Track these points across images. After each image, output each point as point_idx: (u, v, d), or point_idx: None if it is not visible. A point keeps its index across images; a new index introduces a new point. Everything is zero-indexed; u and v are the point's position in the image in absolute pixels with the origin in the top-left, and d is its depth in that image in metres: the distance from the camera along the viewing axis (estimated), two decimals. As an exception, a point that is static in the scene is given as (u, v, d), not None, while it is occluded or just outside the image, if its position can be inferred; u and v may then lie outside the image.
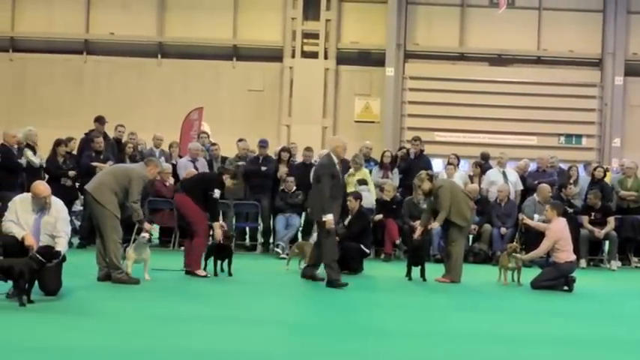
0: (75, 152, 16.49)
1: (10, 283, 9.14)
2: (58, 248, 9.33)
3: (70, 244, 15.35)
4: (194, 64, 29.90)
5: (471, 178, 17.36)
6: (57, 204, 9.86)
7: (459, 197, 12.93)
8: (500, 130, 28.95)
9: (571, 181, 16.98)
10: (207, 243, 12.85)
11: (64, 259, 9.50)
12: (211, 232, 13.04)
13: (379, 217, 15.92)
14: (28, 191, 12.11)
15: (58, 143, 16.05)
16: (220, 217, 13.36)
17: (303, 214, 16.29)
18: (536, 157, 18.88)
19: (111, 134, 17.11)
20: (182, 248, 13.42)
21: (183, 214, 12.83)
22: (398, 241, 16.05)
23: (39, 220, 9.64)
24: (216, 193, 12.49)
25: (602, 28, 29.95)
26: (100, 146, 16.05)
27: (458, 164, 17.85)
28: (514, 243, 13.46)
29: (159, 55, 30.29)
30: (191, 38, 29.90)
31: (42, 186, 9.88)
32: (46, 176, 16.01)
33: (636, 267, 16.59)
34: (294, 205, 16.25)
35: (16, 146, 15.43)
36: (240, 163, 16.51)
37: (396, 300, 11.06)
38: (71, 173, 15.71)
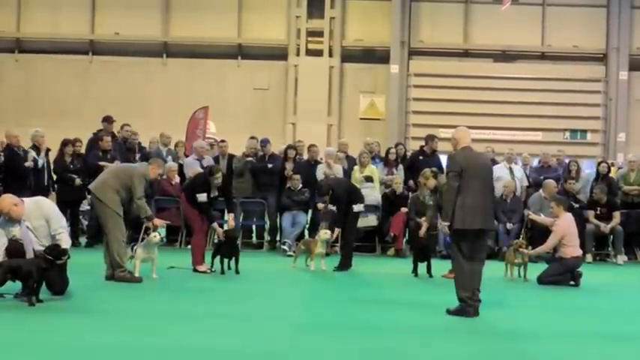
0: (83, 152, 16.62)
1: (18, 283, 9.21)
2: (63, 245, 9.36)
3: (78, 243, 15.55)
4: (199, 63, 29.94)
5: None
6: (42, 205, 9.78)
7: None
8: (505, 126, 28.95)
9: (572, 175, 17.03)
10: (203, 240, 12.97)
11: (68, 256, 9.49)
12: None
13: (405, 210, 15.94)
14: (36, 194, 12.22)
15: (65, 143, 16.18)
16: (231, 214, 13.34)
17: (310, 212, 16.35)
18: (540, 153, 18.98)
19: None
20: (189, 247, 13.49)
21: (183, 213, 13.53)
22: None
23: (23, 228, 9.51)
24: (201, 197, 12.58)
25: (607, 23, 29.92)
26: (109, 145, 16.15)
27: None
28: (520, 239, 13.50)
29: (164, 55, 30.34)
30: (196, 37, 29.94)
31: (2, 202, 9.64)
32: (55, 176, 16.17)
33: (642, 261, 16.63)
34: (301, 203, 16.30)
35: (21, 148, 15.55)
36: (248, 159, 16.59)
37: (403, 296, 11.10)
38: (77, 182, 15.82)
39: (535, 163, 19.08)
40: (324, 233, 13.43)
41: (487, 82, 29.40)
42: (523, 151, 20.14)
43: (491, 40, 29.92)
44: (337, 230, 13.74)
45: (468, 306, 9.33)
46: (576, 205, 15.85)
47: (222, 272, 12.40)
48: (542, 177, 17.17)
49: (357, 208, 13.87)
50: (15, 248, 9.46)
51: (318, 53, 29.85)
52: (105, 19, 30.18)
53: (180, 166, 16.82)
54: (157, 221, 11.94)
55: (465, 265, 9.39)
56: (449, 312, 9.42)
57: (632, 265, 16.19)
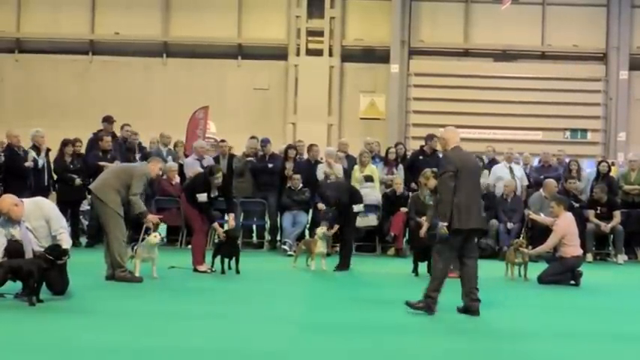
0: (83, 152, 16.62)
1: (19, 283, 9.20)
2: (64, 246, 9.36)
3: (79, 243, 15.55)
4: (199, 63, 29.93)
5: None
6: (42, 206, 9.75)
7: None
8: (506, 125, 28.93)
9: (573, 174, 17.04)
10: (203, 240, 12.98)
11: (68, 256, 9.49)
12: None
13: (405, 209, 15.94)
14: (36, 194, 12.22)
15: (65, 143, 16.20)
16: (231, 214, 13.31)
17: (310, 212, 16.35)
18: (540, 152, 19.00)
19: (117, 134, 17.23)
20: (189, 247, 13.49)
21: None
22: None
23: (23, 229, 9.49)
24: (201, 197, 12.60)
25: (607, 22, 29.91)
26: (109, 145, 16.17)
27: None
28: (520, 238, 13.49)
29: (164, 55, 30.33)
30: (196, 37, 29.93)
31: (2, 202, 9.63)
32: (55, 176, 16.18)
33: (643, 260, 16.63)
34: (301, 202, 16.30)
35: (21, 149, 15.57)
36: (249, 159, 16.62)
37: (403, 296, 11.06)
38: (77, 182, 15.84)
39: (535, 162, 19.09)
40: (321, 229, 13.46)
41: (487, 82, 29.39)
42: (523, 151, 20.13)
43: (492, 40, 29.92)
44: (336, 226, 13.77)
45: (433, 303, 9.36)
46: (577, 205, 15.85)
47: (223, 272, 12.40)
48: (542, 176, 17.18)
49: (357, 208, 13.90)
50: (14, 248, 9.46)
51: (318, 53, 29.84)
52: (105, 19, 30.17)
53: (181, 166, 16.82)
54: (152, 217, 11.90)
55: (443, 266, 9.48)
56: (410, 305, 9.42)
57: (633, 265, 16.19)
